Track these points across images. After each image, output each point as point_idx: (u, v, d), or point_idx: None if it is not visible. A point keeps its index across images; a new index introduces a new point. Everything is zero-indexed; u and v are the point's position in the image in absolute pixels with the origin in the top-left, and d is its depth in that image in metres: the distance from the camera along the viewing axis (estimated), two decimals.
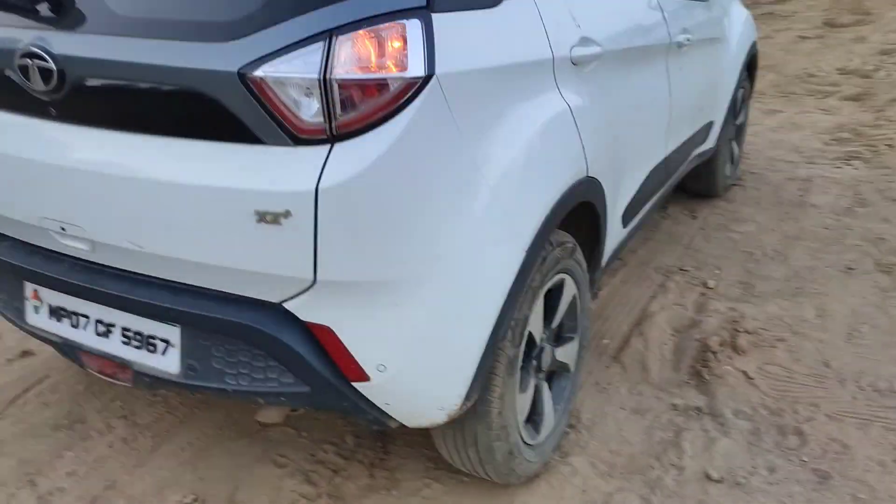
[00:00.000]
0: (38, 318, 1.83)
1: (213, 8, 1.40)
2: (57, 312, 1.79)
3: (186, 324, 1.58)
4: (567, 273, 1.98)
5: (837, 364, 2.53)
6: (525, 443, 1.91)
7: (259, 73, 1.31)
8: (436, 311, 1.50)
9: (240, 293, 1.51)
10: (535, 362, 1.94)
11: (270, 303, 1.48)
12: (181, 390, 1.69)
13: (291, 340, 1.49)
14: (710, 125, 3.51)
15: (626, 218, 2.47)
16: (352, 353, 1.49)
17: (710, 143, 3.60)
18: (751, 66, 4.07)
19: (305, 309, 1.47)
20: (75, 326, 1.76)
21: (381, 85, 1.34)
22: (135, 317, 1.64)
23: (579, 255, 2.03)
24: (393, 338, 1.49)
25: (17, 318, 1.89)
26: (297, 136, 1.34)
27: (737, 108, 3.96)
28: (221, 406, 2.27)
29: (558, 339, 2.09)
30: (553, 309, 1.98)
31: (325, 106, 1.32)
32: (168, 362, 1.64)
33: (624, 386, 2.45)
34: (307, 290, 1.44)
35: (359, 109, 1.34)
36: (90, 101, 1.51)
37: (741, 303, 2.97)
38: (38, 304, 1.82)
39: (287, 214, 1.35)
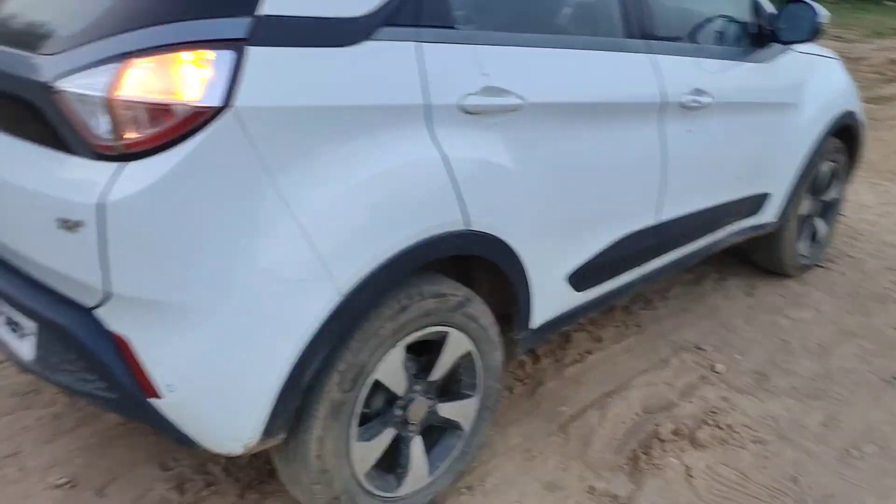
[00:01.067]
0: None
1: (46, 22, 1.52)
2: None
3: (37, 318, 1.69)
4: (453, 327, 1.88)
5: (807, 482, 2.18)
6: (372, 493, 1.83)
7: (60, 85, 1.40)
8: (224, 342, 1.50)
9: (67, 294, 1.59)
10: (398, 413, 1.86)
11: (81, 306, 1.55)
12: (36, 376, 1.81)
13: (97, 347, 1.54)
14: (762, 197, 3.17)
15: (581, 282, 2.29)
16: (145, 368, 1.52)
17: (766, 216, 3.25)
18: (847, 138, 3.62)
19: (110, 318, 1.53)
20: None
21: (165, 110, 1.37)
22: (9, 305, 1.78)
23: (475, 310, 1.92)
24: (182, 361, 1.51)
25: None
26: (94, 151, 1.41)
27: (819, 182, 3.54)
28: None
29: (447, 394, 1.99)
30: (431, 362, 1.89)
31: (112, 123, 1.37)
32: (27, 349, 1.76)
33: (554, 458, 2.27)
34: (106, 299, 1.49)
35: (147, 131, 1.38)
36: None
37: (742, 394, 2.64)
38: None
39: (80, 224, 1.42)
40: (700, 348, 2.97)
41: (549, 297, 2.18)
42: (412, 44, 1.68)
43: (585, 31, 2.27)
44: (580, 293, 2.33)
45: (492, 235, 1.86)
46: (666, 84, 2.38)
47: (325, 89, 1.53)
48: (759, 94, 2.94)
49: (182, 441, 1.63)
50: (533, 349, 2.83)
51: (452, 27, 1.78)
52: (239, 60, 1.41)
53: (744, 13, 2.94)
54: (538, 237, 2.03)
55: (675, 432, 2.38)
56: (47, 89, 1.41)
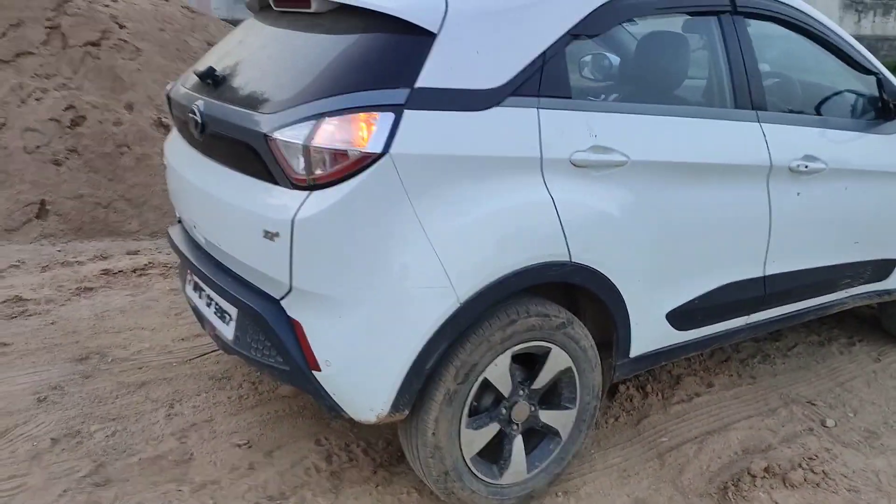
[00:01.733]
0: (189, 290, 2.69)
1: (266, 90, 2.11)
2: (196, 287, 2.62)
3: (238, 306, 2.27)
4: (555, 344, 2.24)
5: None
6: (476, 475, 2.21)
7: (275, 136, 1.96)
8: (368, 330, 1.97)
9: (262, 288, 2.15)
10: (503, 411, 2.23)
11: (274, 298, 2.10)
12: (233, 354, 2.37)
13: (279, 329, 2.07)
14: (890, 263, 3.24)
15: (682, 322, 2.56)
16: (311, 346, 2.02)
17: (892, 283, 3.31)
18: None
19: (291, 307, 2.05)
20: (200, 298, 2.57)
21: (342, 154, 1.89)
22: (219, 296, 2.38)
23: (576, 332, 2.27)
24: (336, 341, 2.00)
25: (183, 288, 2.78)
26: (292, 182, 1.96)
27: None
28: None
29: (548, 403, 2.33)
30: (536, 373, 2.26)
31: (306, 163, 1.92)
32: (229, 331, 2.34)
33: (648, 480, 2.53)
34: (289, 292, 2.02)
35: (328, 169, 1.91)
36: (213, 142, 2.30)
37: (846, 448, 2.74)
38: (190, 279, 2.68)
39: (277, 235, 1.97)
40: (812, 403, 3.08)
41: (648, 331, 2.48)
42: (533, 110, 2.11)
43: (692, 102, 2.60)
44: (681, 332, 2.60)
45: (592, 268, 2.22)
46: (774, 150, 2.63)
47: (460, 142, 2.00)
48: (881, 163, 3.07)
49: (332, 409, 2.11)
50: (642, 386, 3.09)
51: (568, 97, 2.19)
52: (397, 120, 1.91)
53: (869, 88, 3.11)
54: (638, 276, 2.35)
55: (768, 470, 2.54)
56: (265, 138, 1.98)
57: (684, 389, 3.11)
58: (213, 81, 2.35)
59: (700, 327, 2.67)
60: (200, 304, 2.57)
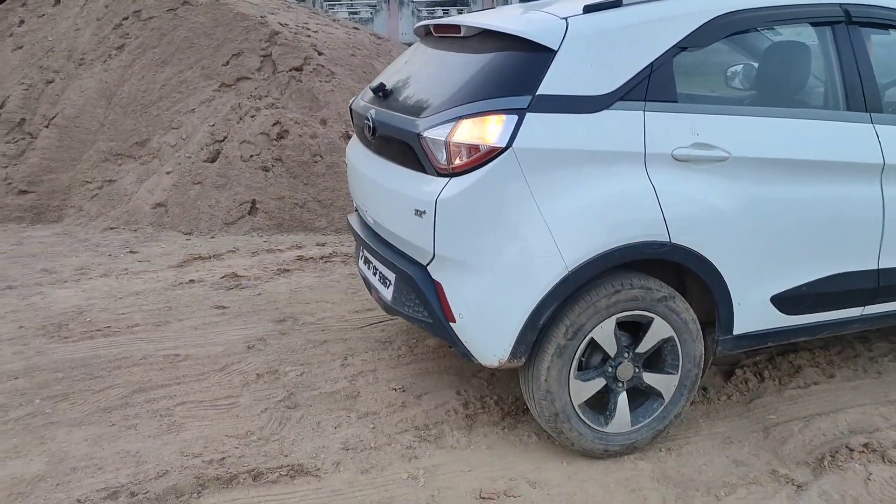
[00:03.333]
0: (360, 264, 3.34)
1: (421, 99, 2.68)
2: (365, 260, 3.26)
3: (396, 272, 2.85)
4: (657, 315, 2.60)
5: None
6: (583, 420, 2.61)
7: (425, 134, 2.52)
8: (493, 289, 2.47)
9: (412, 256, 2.71)
10: (609, 369, 2.63)
11: (422, 265, 2.65)
12: (392, 313, 2.95)
13: (425, 289, 2.63)
14: None
15: (788, 306, 2.80)
16: (449, 302, 2.55)
17: None
18: None
19: (434, 271, 2.60)
20: (368, 269, 3.20)
21: (475, 147, 2.41)
22: (382, 265, 2.98)
23: (677, 305, 2.62)
24: (467, 297, 2.51)
25: (357, 262, 3.44)
26: (437, 171, 2.51)
27: None
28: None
29: (653, 367, 2.69)
30: (638, 339, 2.63)
31: (447, 155, 2.46)
32: (388, 293, 2.93)
33: (749, 447, 2.79)
34: (433, 259, 2.57)
35: (464, 160, 2.44)
36: (381, 142, 2.92)
37: None
38: (361, 255, 3.33)
39: (424, 212, 2.52)
40: None
41: (752, 312, 2.75)
42: (639, 112, 2.50)
43: (802, 105, 2.85)
44: (788, 316, 2.83)
45: (691, 250, 2.55)
46: (888, 149, 2.80)
47: (572, 139, 2.44)
48: None
49: (465, 354, 2.62)
50: (760, 372, 3.30)
51: (674, 101, 2.55)
52: (520, 120, 2.40)
53: None
54: (738, 259, 2.64)
55: (867, 446, 2.70)
56: (418, 137, 2.55)
57: (803, 378, 3.29)
58: (382, 94, 2.97)
59: (809, 313, 2.87)
60: (368, 273, 3.19)
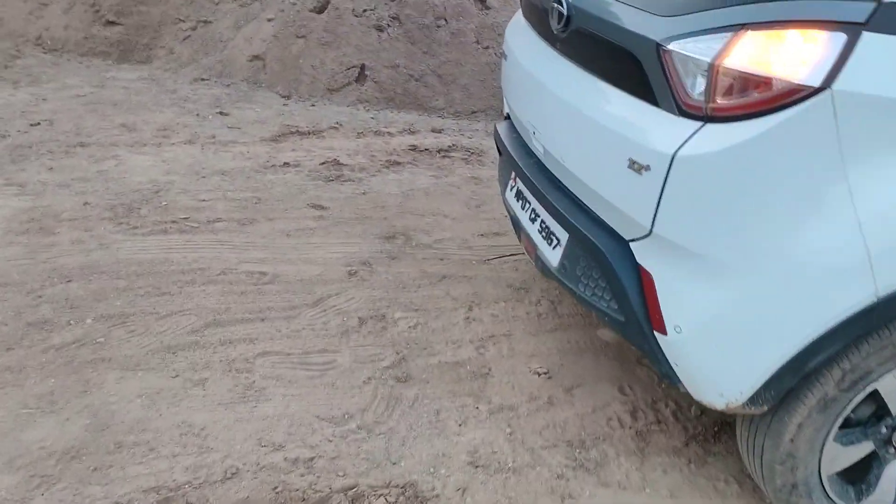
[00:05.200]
0: (509, 195, 2.48)
1: None
2: (518, 194, 2.40)
3: (572, 233, 1.99)
4: None
5: None
6: (827, 495, 1.79)
7: (670, 46, 1.57)
8: (746, 305, 1.58)
9: (607, 222, 1.84)
10: (884, 431, 1.76)
11: (622, 238, 1.78)
12: (553, 279, 2.13)
13: (622, 273, 1.77)
14: None
15: None
16: (660, 303, 1.70)
17: None
18: None
19: (640, 253, 1.73)
20: (523, 209, 2.34)
21: (763, 82, 1.45)
22: (549, 215, 2.12)
23: None
24: (697, 307, 1.64)
25: (502, 191, 2.58)
26: (681, 108, 1.57)
27: None
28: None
29: None
30: None
31: (708, 87, 1.51)
32: (554, 256, 2.09)
33: None
34: (645, 237, 1.69)
35: (737, 99, 1.49)
36: (578, 43, 1.97)
37: None
38: (513, 185, 2.46)
39: (647, 168, 1.62)
40: None
41: None
42: None
43: None
44: None
45: None
46: None
47: None
48: None
49: (666, 376, 1.79)
50: None
51: None
52: (851, 43, 1.41)
53: None
54: None
55: None
56: (656, 48, 1.60)
57: None
58: None
59: None
60: (522, 215, 2.34)
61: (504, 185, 2.57)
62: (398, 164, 4.04)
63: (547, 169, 2.16)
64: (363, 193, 3.63)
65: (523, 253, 3.13)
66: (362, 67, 5.12)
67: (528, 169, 2.25)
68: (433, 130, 4.63)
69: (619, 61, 1.76)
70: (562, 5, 1.98)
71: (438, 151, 4.25)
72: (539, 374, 2.38)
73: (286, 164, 3.88)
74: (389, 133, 4.49)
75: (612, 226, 1.83)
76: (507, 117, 2.65)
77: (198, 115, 4.54)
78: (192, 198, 3.40)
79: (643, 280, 1.74)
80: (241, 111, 4.67)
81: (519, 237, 2.43)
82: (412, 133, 4.53)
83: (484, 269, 3.03)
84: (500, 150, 2.62)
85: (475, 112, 5.07)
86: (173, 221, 3.15)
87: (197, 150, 3.99)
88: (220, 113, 4.60)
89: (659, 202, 1.61)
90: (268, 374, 2.27)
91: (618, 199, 1.75)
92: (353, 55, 5.15)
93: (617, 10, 1.79)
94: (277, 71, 5.17)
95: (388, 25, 5.26)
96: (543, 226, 2.18)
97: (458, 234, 3.31)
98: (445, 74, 5.20)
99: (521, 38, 2.40)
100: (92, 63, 5.47)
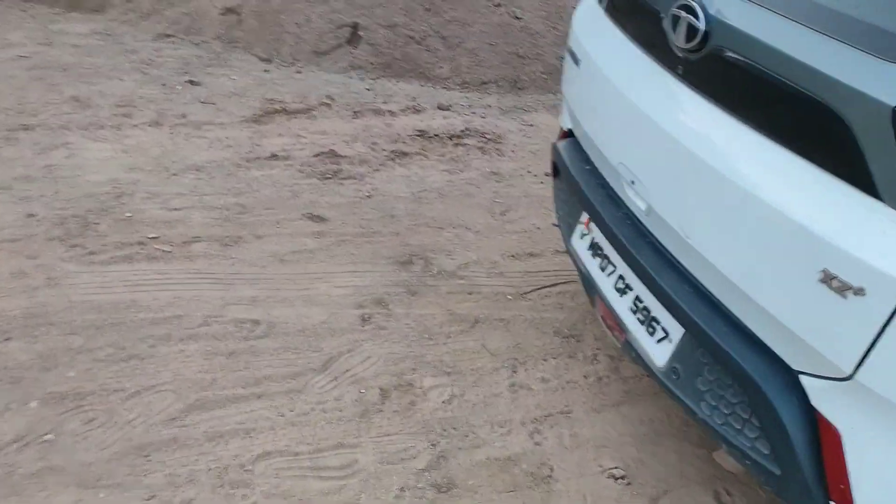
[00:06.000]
0: (579, 244, 1.94)
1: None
2: (595, 248, 1.86)
3: (693, 332, 1.47)
4: None
5: None
6: None
7: None
8: None
9: (759, 335, 1.32)
10: None
11: (786, 365, 1.27)
12: (654, 379, 1.62)
13: (788, 417, 1.26)
14: None
15: None
16: (848, 472, 1.20)
17: None
18: None
19: (821, 396, 1.22)
20: (602, 269, 1.81)
21: None
22: (651, 295, 1.59)
23: None
24: None
25: (566, 232, 2.03)
26: None
27: None
28: None
29: None
30: None
31: None
32: (658, 352, 1.58)
33: None
34: (837, 380, 1.18)
35: None
36: (719, 72, 1.40)
37: None
38: (585, 233, 1.92)
39: (858, 291, 1.09)
40: None
41: None
42: None
43: None
44: None
45: None
46: None
47: None
48: None
49: None
50: None
51: None
52: None
53: None
54: None
55: None
56: (891, 115, 1.05)
57: None
58: None
59: None
60: (601, 278, 1.81)
61: (569, 228, 2.03)
62: (405, 154, 3.44)
63: (650, 235, 1.62)
64: (368, 196, 3.05)
65: (566, 282, 2.63)
66: (355, 26, 4.44)
67: (617, 223, 1.70)
68: (440, 108, 4.01)
69: (804, 117, 1.21)
70: (694, 15, 1.40)
71: (450, 138, 3.65)
72: (615, 479, 1.89)
73: (273, 155, 3.26)
74: (391, 112, 3.86)
75: (772, 346, 1.31)
76: (570, 133, 2.09)
77: (164, 84, 3.86)
78: (161, 205, 2.79)
79: (822, 434, 1.23)
80: (215, 79, 3.99)
81: (592, 301, 1.90)
82: (417, 112, 3.91)
83: (522, 306, 2.51)
84: (561, 173, 2.07)
85: (485, 83, 4.44)
86: (140, 243, 2.54)
87: (165, 134, 3.34)
88: (190, 82, 3.92)
89: (875, 342, 1.10)
90: (272, 489, 1.74)
91: (794, 322, 1.22)
92: (345, 11, 4.46)
93: (800, 36, 1.23)
94: (255, 28, 4.46)
95: None
96: (639, 305, 1.65)
97: (485, 254, 2.77)
98: (450, 36, 4.54)
99: (607, 42, 1.82)
100: (37, 12, 4.68)
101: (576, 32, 2.00)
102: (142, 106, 3.58)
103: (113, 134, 3.28)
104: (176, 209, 2.78)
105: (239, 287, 2.40)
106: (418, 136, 3.63)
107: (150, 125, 3.41)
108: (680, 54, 1.48)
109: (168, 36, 4.48)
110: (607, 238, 1.75)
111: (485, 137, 3.72)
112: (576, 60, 1.94)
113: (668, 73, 1.54)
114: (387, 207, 2.98)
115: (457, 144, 3.62)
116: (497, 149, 3.64)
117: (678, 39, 1.47)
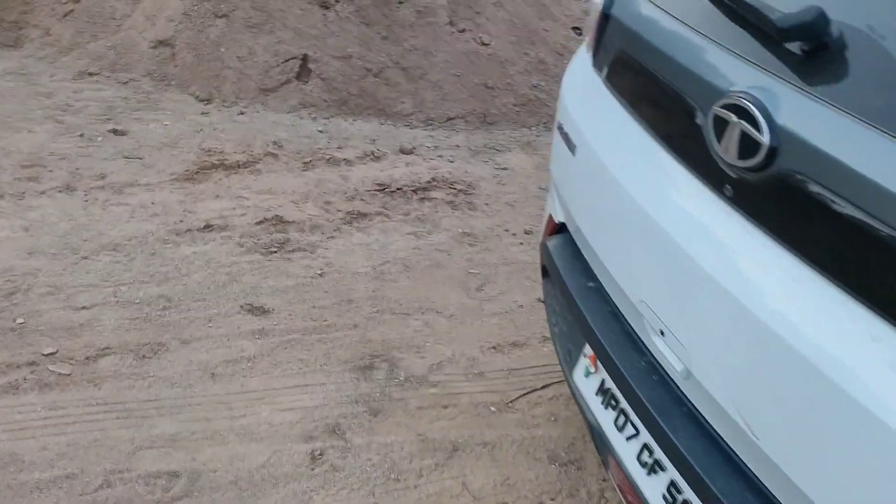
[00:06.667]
0: (584, 383, 1.50)
1: None
2: (606, 396, 1.42)
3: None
4: None
5: None
6: None
7: None
8: None
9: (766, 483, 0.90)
10: None
11: None
12: None
13: None
14: None
15: None
16: None
17: None
18: None
19: None
20: (618, 428, 1.37)
21: None
22: (679, 473, 1.16)
23: None
24: None
25: (566, 362, 1.59)
26: None
27: None
28: None
29: None
30: None
31: None
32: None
33: None
34: None
35: None
36: (786, 199, 0.97)
37: None
38: (591, 371, 1.48)
39: None
40: None
41: None
42: None
43: None
44: None
45: None
46: None
47: None
48: None
49: None
50: None
51: None
52: None
53: None
54: None
55: None
56: None
57: None
58: (811, 48, 0.96)
59: None
60: (616, 438, 1.37)
61: (568, 355, 1.58)
62: (363, 216, 2.97)
63: (687, 401, 1.18)
64: (320, 275, 2.58)
65: (558, 381, 2.20)
66: (304, 59, 3.96)
67: (639, 380, 1.26)
68: (403, 152, 3.55)
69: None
70: (756, 126, 0.97)
71: (415, 191, 3.19)
72: None
73: (208, 225, 2.77)
74: (347, 161, 3.39)
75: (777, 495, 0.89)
76: (562, 228, 1.65)
77: (82, 135, 3.35)
78: (64, 303, 2.29)
79: None
80: (144, 126, 3.49)
81: (604, 461, 1.46)
82: (376, 159, 3.45)
83: (509, 421, 2.07)
84: (551, 276, 1.63)
85: (452, 119, 3.99)
86: (31, 364, 2.04)
87: (77, 203, 2.83)
88: (114, 131, 3.41)
89: None
90: None
91: (818, 492, 0.80)
92: (292, 42, 3.98)
93: None
94: (191, 63, 3.96)
95: (336, 1, 4.09)
96: (677, 497, 1.21)
97: (461, 348, 2.32)
98: (411, 67, 4.09)
99: (611, 127, 1.38)
100: None
101: (567, 105, 1.57)
102: (52, 165, 3.06)
103: (13, 206, 2.76)
104: (83, 307, 2.28)
105: (155, 421, 1.92)
106: (378, 190, 3.17)
107: (60, 191, 2.90)
108: (729, 172, 1.04)
109: (91, 74, 3.96)
110: (624, 396, 1.32)
111: (454, 188, 3.27)
112: (570, 146, 1.50)
113: (708, 189, 1.10)
114: (343, 289, 2.52)
115: (423, 199, 3.16)
116: (468, 202, 3.19)
117: (727, 152, 1.03)
